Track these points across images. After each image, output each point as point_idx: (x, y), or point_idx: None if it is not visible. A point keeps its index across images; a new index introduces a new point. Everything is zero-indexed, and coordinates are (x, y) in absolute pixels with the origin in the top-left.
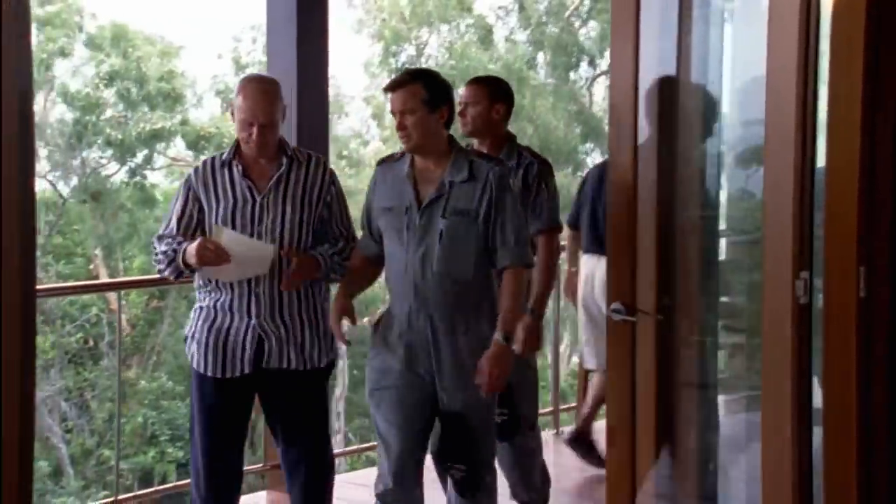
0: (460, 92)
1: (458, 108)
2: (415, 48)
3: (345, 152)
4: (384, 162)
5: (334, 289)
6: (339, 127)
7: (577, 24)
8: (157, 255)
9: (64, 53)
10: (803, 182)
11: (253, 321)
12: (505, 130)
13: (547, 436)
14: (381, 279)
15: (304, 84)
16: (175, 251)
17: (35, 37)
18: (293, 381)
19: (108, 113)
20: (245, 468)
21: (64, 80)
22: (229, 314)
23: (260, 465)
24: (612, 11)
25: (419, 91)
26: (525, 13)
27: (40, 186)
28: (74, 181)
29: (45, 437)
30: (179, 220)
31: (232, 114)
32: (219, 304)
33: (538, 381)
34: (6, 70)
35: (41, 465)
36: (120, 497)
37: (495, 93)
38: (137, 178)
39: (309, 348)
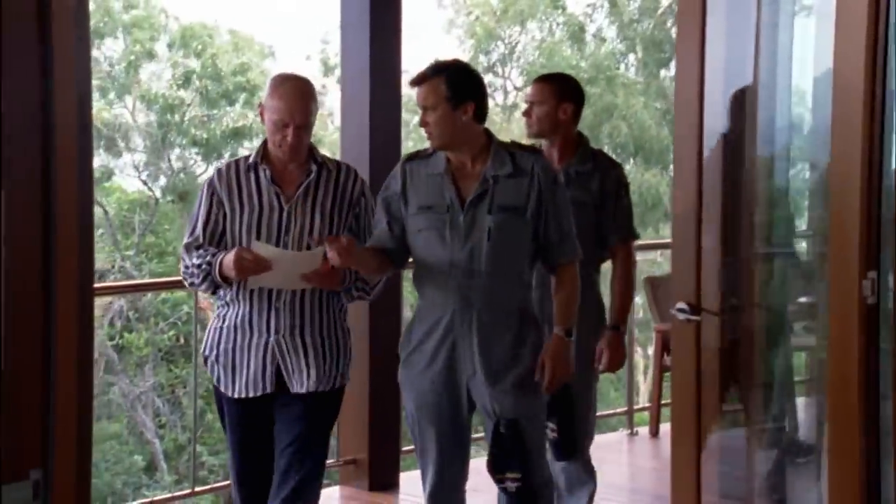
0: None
1: (523, 108)
2: (504, 46)
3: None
4: (412, 159)
5: (352, 308)
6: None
7: (669, 22)
8: (187, 268)
9: (150, 56)
10: (870, 180)
11: (271, 338)
12: (576, 132)
13: (621, 436)
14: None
15: (377, 83)
16: (210, 264)
17: (122, 41)
18: (306, 403)
19: (191, 112)
20: None
21: (149, 82)
22: (248, 330)
23: (332, 460)
24: (677, 14)
25: (440, 86)
26: (616, 10)
27: (134, 187)
28: (163, 181)
29: (140, 432)
30: (205, 226)
31: (261, 115)
32: (237, 320)
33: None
34: (64, 72)
35: (136, 460)
36: (197, 489)
37: (563, 91)
38: None
39: (327, 370)
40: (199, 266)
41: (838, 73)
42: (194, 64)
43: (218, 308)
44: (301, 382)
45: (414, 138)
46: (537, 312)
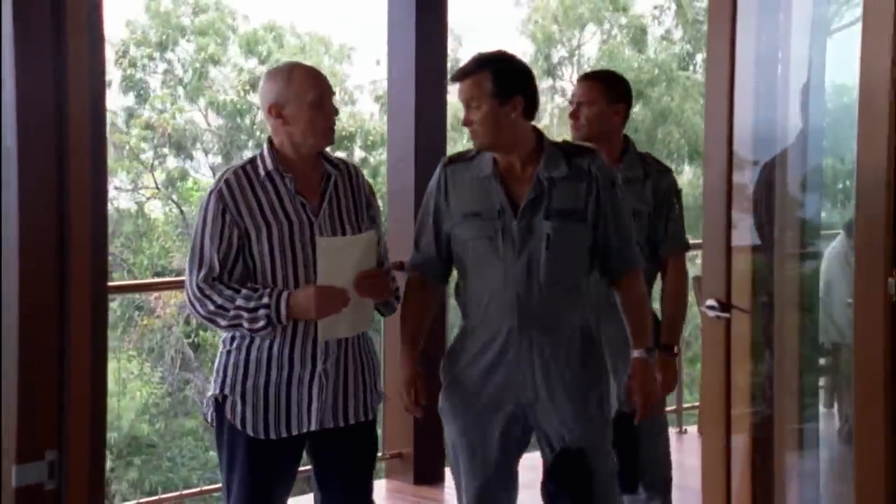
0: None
1: (569, 108)
2: (567, 49)
3: None
4: (454, 162)
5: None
6: None
7: None
8: (219, 308)
9: (216, 61)
10: None
11: (318, 368)
12: (623, 135)
13: (670, 434)
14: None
15: (423, 84)
16: (268, 307)
17: (192, 44)
18: (352, 435)
19: (259, 116)
20: None
21: (218, 87)
22: (287, 363)
23: (378, 454)
24: (708, 15)
25: (485, 82)
26: (682, 11)
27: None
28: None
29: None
30: (219, 251)
31: (278, 115)
32: (272, 352)
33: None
34: (77, 73)
35: (212, 456)
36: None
37: (614, 91)
38: None
39: (370, 396)
40: (251, 310)
41: (865, 73)
42: (261, 69)
43: (234, 339)
44: (347, 413)
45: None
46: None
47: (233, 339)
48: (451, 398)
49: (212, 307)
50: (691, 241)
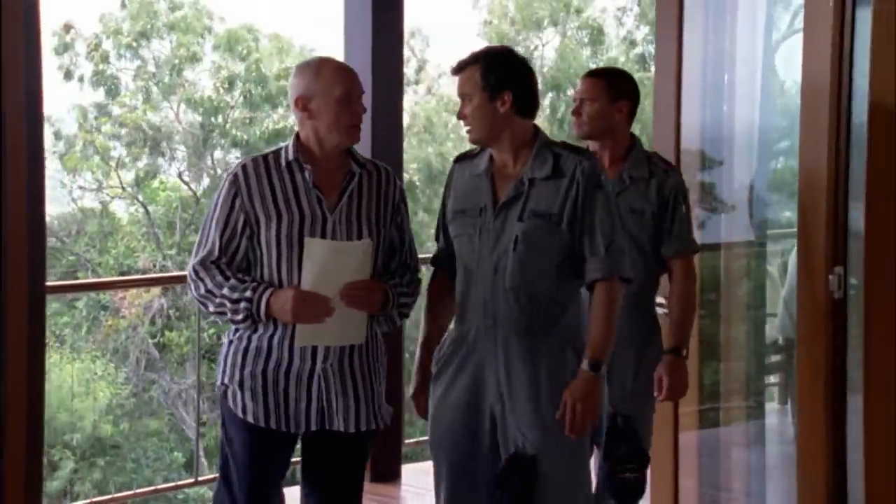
0: (569, 92)
1: (572, 105)
2: (525, 51)
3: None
4: (462, 159)
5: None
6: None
7: None
8: (210, 294)
9: (194, 59)
10: (837, 180)
11: (318, 366)
12: (629, 133)
13: None
14: None
15: (379, 83)
16: (250, 301)
17: (167, 42)
18: (346, 444)
19: (234, 115)
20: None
21: (193, 84)
22: (287, 355)
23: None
24: (656, 18)
25: (476, 74)
26: (644, 12)
27: (177, 187)
28: (206, 181)
29: (181, 429)
30: (222, 235)
31: (305, 109)
32: (271, 342)
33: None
34: (13, 73)
35: (177, 457)
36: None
37: (617, 87)
38: None
39: (374, 406)
40: (234, 301)
41: (806, 80)
42: (239, 67)
43: (236, 330)
44: (348, 420)
45: (453, 139)
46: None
47: (236, 329)
48: (431, 394)
49: (203, 290)
50: None
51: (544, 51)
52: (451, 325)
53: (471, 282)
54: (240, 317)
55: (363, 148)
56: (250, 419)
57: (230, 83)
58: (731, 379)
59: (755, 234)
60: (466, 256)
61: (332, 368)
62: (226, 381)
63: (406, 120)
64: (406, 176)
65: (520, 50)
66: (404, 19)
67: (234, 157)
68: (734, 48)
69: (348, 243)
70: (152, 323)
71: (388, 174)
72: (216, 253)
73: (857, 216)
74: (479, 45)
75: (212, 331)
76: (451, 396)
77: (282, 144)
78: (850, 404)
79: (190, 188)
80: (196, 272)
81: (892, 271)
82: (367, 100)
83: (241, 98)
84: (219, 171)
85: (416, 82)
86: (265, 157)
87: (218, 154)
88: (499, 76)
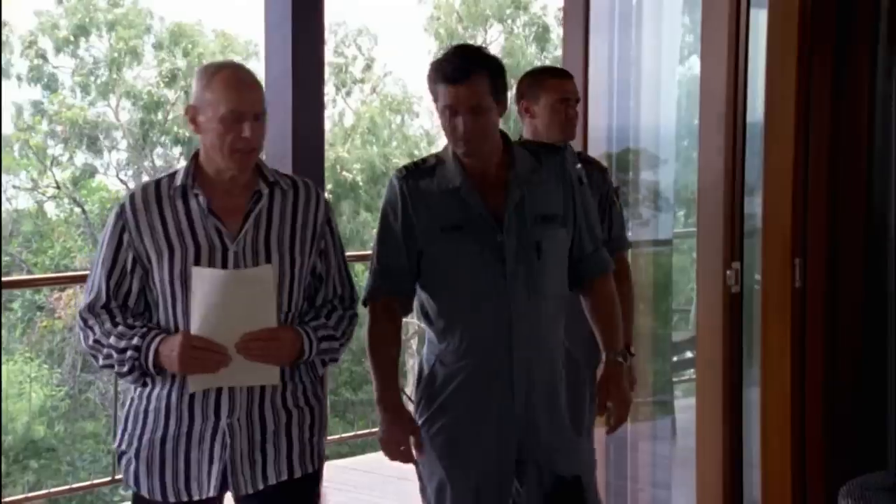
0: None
1: (564, 106)
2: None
3: (416, 152)
4: (411, 174)
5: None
6: (411, 127)
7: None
8: (98, 345)
9: (134, 54)
10: (734, 178)
11: (222, 421)
12: None
13: None
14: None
15: (300, 85)
16: (138, 350)
17: (106, 39)
18: (274, 497)
19: (176, 111)
20: None
21: (134, 80)
22: (187, 415)
23: None
24: (563, 17)
25: (485, 82)
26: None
27: (114, 186)
28: (146, 180)
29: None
30: (109, 276)
31: (192, 120)
32: (171, 400)
33: None
34: None
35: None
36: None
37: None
38: None
39: (298, 452)
40: (121, 350)
41: (704, 80)
42: (181, 63)
43: (137, 386)
44: (254, 479)
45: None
46: None
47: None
48: (432, 429)
49: (90, 340)
50: None
51: (490, 48)
52: (444, 352)
53: (485, 299)
54: (125, 368)
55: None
56: (144, 493)
57: (171, 78)
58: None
59: (663, 234)
60: (473, 274)
61: (240, 423)
62: (123, 446)
63: (350, 120)
64: (349, 176)
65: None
66: (324, 17)
67: (177, 154)
68: (640, 50)
69: (244, 271)
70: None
71: (310, 190)
72: (104, 297)
73: (753, 213)
74: (427, 41)
75: None
76: (477, 430)
77: (180, 166)
78: (749, 396)
79: (128, 187)
80: (84, 320)
81: (787, 265)
82: (284, 108)
83: (183, 94)
84: (158, 168)
85: (363, 81)
86: (158, 182)
87: (159, 151)
88: (504, 81)
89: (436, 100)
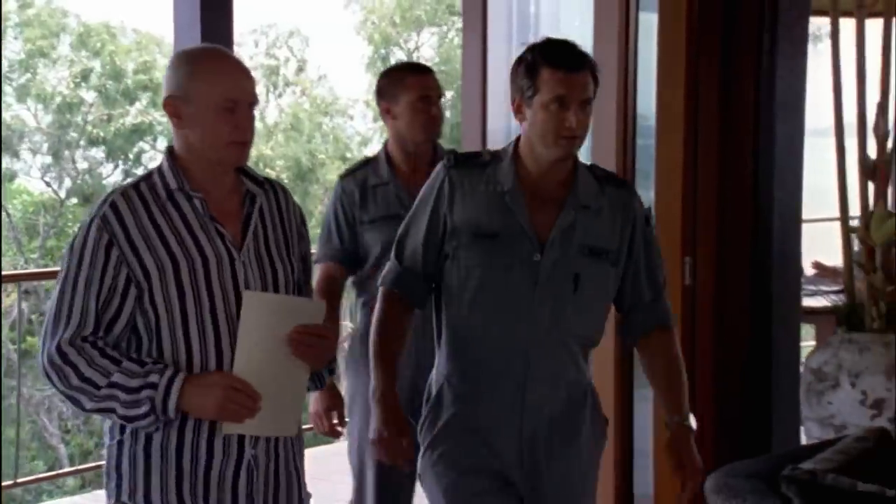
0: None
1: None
2: (404, 52)
3: (349, 156)
4: (462, 164)
5: None
6: (347, 130)
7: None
8: (85, 383)
9: (45, 55)
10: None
11: (247, 455)
12: None
13: None
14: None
15: None
16: (154, 387)
17: (20, 41)
18: None
19: (93, 113)
20: None
21: (44, 81)
22: (206, 449)
23: None
24: (462, 20)
25: (589, 77)
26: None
27: (38, 188)
28: (69, 183)
29: (43, 437)
30: (97, 298)
31: (176, 114)
32: (186, 432)
33: None
34: None
35: (38, 465)
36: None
37: None
38: (130, 179)
39: (297, 488)
40: (133, 390)
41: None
42: (93, 63)
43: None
44: None
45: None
46: None
47: (123, 427)
48: (433, 458)
49: (76, 380)
50: None
51: (424, 52)
52: (452, 371)
53: (505, 324)
54: (142, 410)
55: None
56: None
57: (84, 78)
58: None
59: None
60: (497, 292)
61: (261, 453)
62: (123, 498)
63: (273, 118)
64: (273, 173)
65: (400, 49)
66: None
67: (99, 155)
68: None
69: (298, 299)
70: (12, 328)
71: (284, 190)
72: (90, 326)
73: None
74: (359, 44)
75: None
76: (472, 456)
77: (151, 167)
78: (641, 391)
79: (53, 190)
80: (63, 356)
81: (678, 263)
82: None
83: (97, 94)
84: (80, 170)
85: (295, 83)
86: (136, 186)
87: (79, 154)
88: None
89: (531, 92)
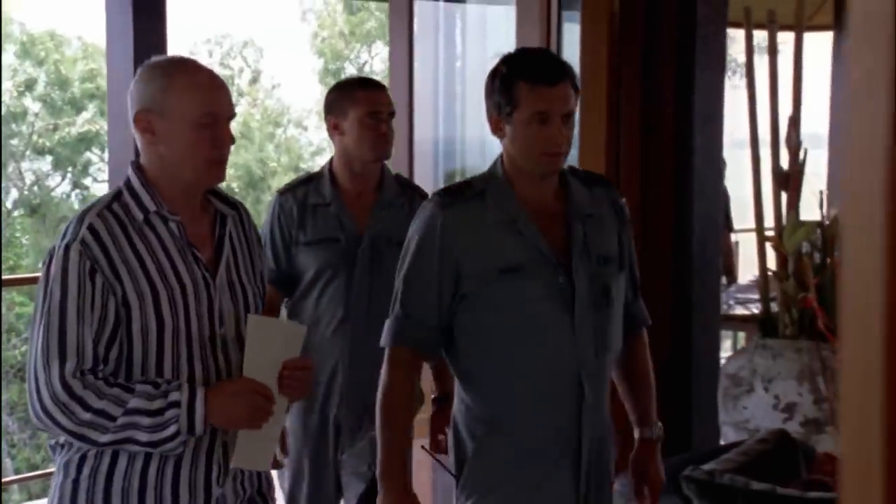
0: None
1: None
2: (355, 66)
3: (302, 166)
4: (453, 201)
5: None
6: (302, 140)
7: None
8: (99, 414)
9: None
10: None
11: (214, 495)
12: None
13: None
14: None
15: None
16: (177, 405)
17: None
18: None
19: (38, 123)
20: None
21: None
22: (171, 489)
23: None
24: (389, 29)
25: (570, 87)
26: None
27: None
28: (15, 194)
29: None
30: (92, 330)
31: (148, 129)
32: (147, 477)
33: None
34: None
35: None
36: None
37: None
38: (78, 190)
39: None
40: (155, 412)
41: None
42: (37, 72)
43: (83, 460)
44: None
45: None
46: None
47: (82, 459)
48: None
49: (86, 415)
50: None
51: (373, 63)
52: (488, 430)
53: (547, 362)
54: (170, 431)
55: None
56: None
57: (28, 87)
58: None
59: None
60: (527, 327)
61: (229, 493)
62: None
63: None
64: (223, 184)
65: (350, 64)
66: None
67: (45, 165)
68: (465, 61)
69: (292, 323)
70: None
71: (247, 212)
72: (90, 360)
73: None
74: (312, 57)
75: (24, 348)
76: None
77: (118, 188)
78: None
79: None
80: (69, 390)
81: None
82: (126, 121)
83: (42, 104)
84: (27, 181)
85: (249, 94)
86: (109, 207)
87: (25, 165)
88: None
89: (510, 109)
